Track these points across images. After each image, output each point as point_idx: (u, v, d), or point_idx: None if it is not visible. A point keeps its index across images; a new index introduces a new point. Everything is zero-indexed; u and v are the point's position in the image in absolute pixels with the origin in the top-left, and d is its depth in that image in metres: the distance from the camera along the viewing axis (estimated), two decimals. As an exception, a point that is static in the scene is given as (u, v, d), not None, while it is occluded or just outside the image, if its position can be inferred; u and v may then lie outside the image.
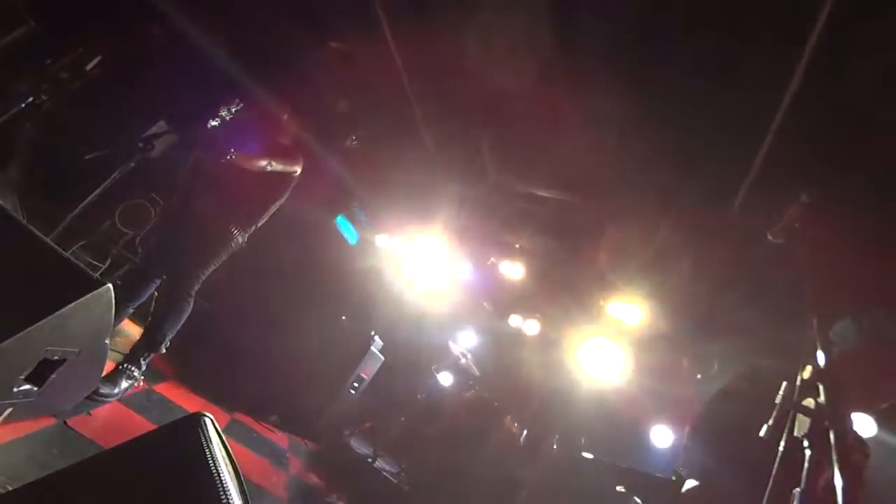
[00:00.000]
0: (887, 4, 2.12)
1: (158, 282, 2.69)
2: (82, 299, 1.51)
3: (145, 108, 4.37)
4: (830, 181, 2.44)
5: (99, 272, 4.21)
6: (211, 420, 0.99)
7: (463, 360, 4.95)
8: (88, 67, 4.04)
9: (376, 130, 4.66)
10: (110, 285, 1.61)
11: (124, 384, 2.35)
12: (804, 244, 1.41)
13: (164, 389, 2.83)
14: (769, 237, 1.61)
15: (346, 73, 4.11)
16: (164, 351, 2.60)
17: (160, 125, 4.33)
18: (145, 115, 4.33)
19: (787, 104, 2.61)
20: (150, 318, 2.66)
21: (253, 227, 2.80)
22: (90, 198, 3.02)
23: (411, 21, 3.47)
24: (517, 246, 5.61)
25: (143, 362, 2.49)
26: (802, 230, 1.50)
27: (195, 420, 0.97)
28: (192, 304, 2.60)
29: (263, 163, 2.65)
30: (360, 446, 4.40)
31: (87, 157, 3.75)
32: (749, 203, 3.24)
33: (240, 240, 2.72)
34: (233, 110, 2.57)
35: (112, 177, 3.02)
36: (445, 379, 5.23)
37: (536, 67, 3.21)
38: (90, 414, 2.01)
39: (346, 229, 5.64)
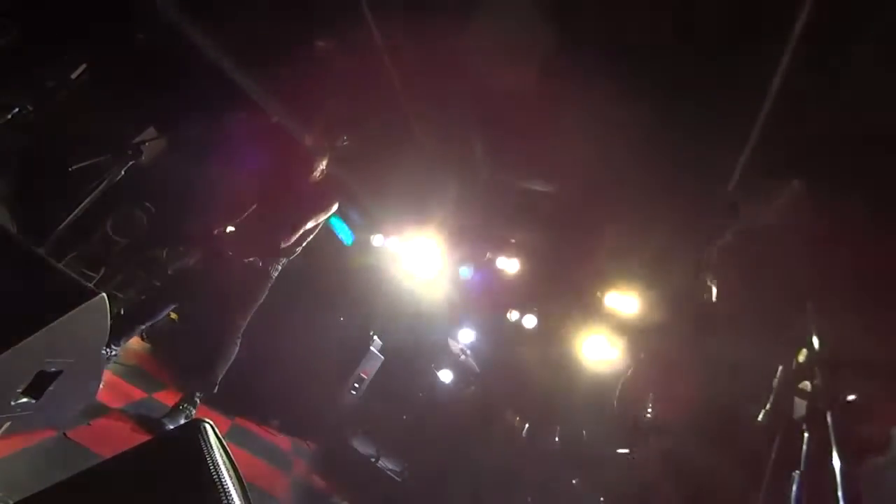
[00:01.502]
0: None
1: (174, 305, 2.71)
2: (77, 310, 1.50)
3: (133, 115, 4.33)
4: (822, 168, 2.46)
5: (93, 282, 4.18)
6: (211, 426, 0.98)
7: (462, 357, 4.95)
8: (74, 75, 4.00)
9: (369, 129, 4.64)
10: (104, 295, 1.60)
11: (182, 421, 2.47)
12: (797, 230, 1.42)
13: (164, 397, 2.82)
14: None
15: (337, 72, 4.09)
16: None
17: (149, 131, 4.29)
18: (134, 122, 4.30)
19: (778, 88, 2.61)
20: (207, 361, 2.70)
21: (286, 261, 2.87)
22: (80, 208, 2.99)
23: (402, 18, 3.45)
24: (513, 241, 5.62)
25: (197, 401, 2.60)
26: (795, 216, 1.51)
27: (195, 427, 0.96)
28: (238, 345, 2.70)
29: (292, 241, 2.72)
30: (362, 446, 4.40)
31: (73, 166, 3.72)
32: (742, 189, 3.25)
33: (275, 275, 2.81)
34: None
35: (101, 186, 2.99)
36: (446, 376, 5.24)
37: (531, 64, 3.21)
38: (90, 424, 2.00)
39: (341, 230, 5.62)
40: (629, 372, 3.30)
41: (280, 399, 4.00)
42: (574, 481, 4.04)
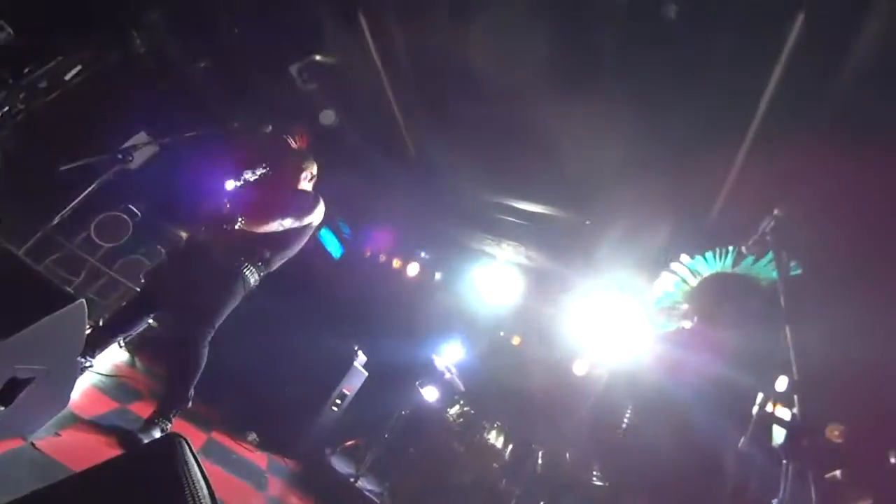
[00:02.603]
0: (856, 19, 2.23)
1: (154, 315, 2.63)
2: (53, 315, 1.47)
3: (126, 119, 4.32)
4: (803, 195, 2.53)
5: (72, 286, 4.08)
6: (186, 442, 0.96)
7: (448, 375, 4.91)
8: (68, 77, 3.98)
9: (360, 142, 4.67)
10: (83, 301, 1.57)
11: (157, 435, 2.36)
12: (777, 256, 1.46)
13: (139, 409, 2.74)
14: (743, 250, 1.66)
15: (330, 84, 4.13)
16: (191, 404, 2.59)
17: (140, 136, 4.27)
18: (125, 126, 4.28)
19: (763, 114, 2.70)
20: (174, 372, 2.58)
21: (266, 271, 2.72)
22: (66, 210, 2.94)
23: (396, 31, 3.52)
24: (501, 259, 5.66)
25: (173, 417, 2.48)
26: (775, 242, 1.55)
27: (171, 443, 0.94)
28: (207, 351, 2.52)
29: (274, 226, 2.58)
30: (341, 465, 4.30)
31: (63, 168, 3.67)
32: (725, 216, 3.34)
33: (252, 281, 2.63)
34: (258, 173, 2.52)
35: (89, 188, 2.95)
36: (430, 394, 5.18)
37: (523, 79, 3.26)
38: (59, 434, 1.93)
39: (330, 243, 5.60)
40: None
41: (259, 413, 3.90)
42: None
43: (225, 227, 2.41)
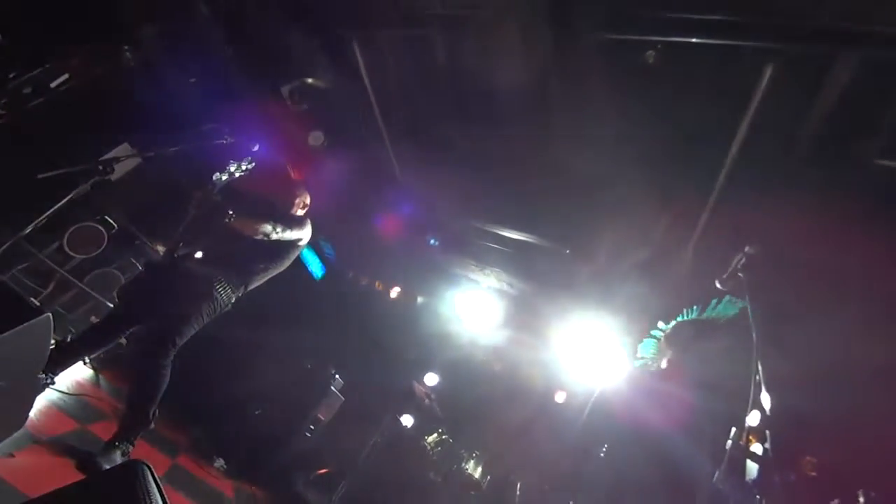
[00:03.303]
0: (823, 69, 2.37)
1: (127, 333, 2.53)
2: (16, 329, 1.41)
3: (110, 130, 4.26)
4: (773, 233, 2.64)
5: (39, 298, 3.92)
6: (149, 468, 0.91)
7: (427, 402, 4.83)
8: (54, 84, 3.94)
9: (346, 162, 4.70)
10: (49, 315, 1.52)
11: (118, 459, 2.23)
12: (748, 292, 1.51)
13: (101, 429, 2.60)
14: (717, 285, 1.71)
15: (318, 106, 4.18)
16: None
17: (124, 147, 4.21)
18: (109, 137, 4.22)
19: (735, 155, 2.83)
20: (133, 391, 2.43)
21: (244, 289, 2.63)
22: (41, 218, 2.86)
23: (388, 58, 3.61)
24: (484, 285, 5.68)
25: (135, 439, 2.35)
26: (747, 279, 1.60)
27: (131, 469, 0.89)
28: (169, 371, 2.38)
29: (266, 228, 2.52)
30: (312, 494, 4.13)
31: (40, 175, 3.59)
32: (699, 254, 3.43)
33: (224, 299, 2.52)
34: (243, 167, 2.47)
35: (66, 198, 2.88)
36: (407, 421, 5.07)
37: (511, 109, 3.35)
38: (13, 455, 1.82)
39: (312, 262, 5.55)
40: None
41: (228, 438, 3.75)
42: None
43: (217, 219, 2.34)
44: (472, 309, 5.57)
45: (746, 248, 1.66)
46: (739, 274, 1.58)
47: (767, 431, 1.25)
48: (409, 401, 5.01)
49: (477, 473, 4.48)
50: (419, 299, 5.97)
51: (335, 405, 4.41)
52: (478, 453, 4.58)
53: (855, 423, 2.83)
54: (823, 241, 2.80)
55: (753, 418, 1.28)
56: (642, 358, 2.54)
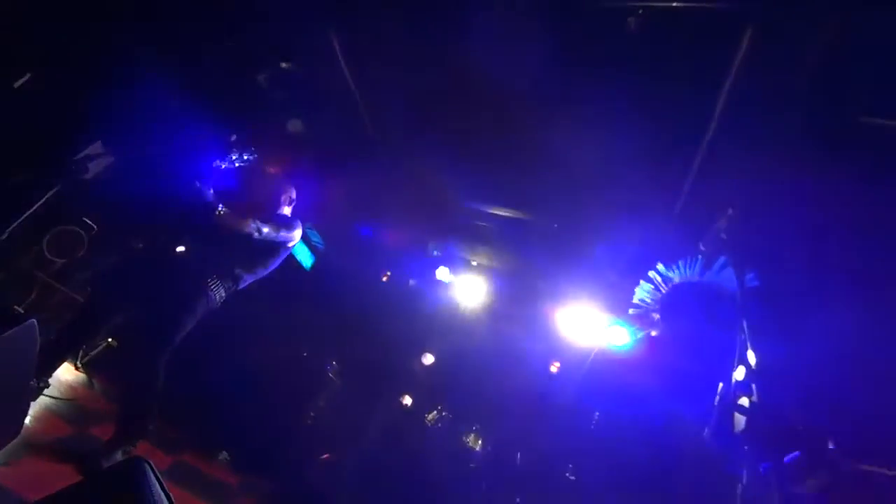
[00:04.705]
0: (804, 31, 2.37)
1: (107, 328, 2.48)
2: (2, 336, 1.38)
3: (81, 128, 4.12)
4: (757, 195, 2.67)
5: (23, 305, 3.85)
6: (150, 465, 0.91)
7: (423, 379, 4.90)
8: (17, 84, 3.77)
9: (329, 149, 4.63)
10: (34, 322, 1.49)
11: (119, 458, 2.22)
12: (729, 253, 1.53)
13: (100, 432, 2.60)
14: (700, 247, 1.74)
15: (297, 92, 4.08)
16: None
17: (96, 146, 4.08)
18: (80, 135, 4.08)
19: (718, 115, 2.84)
20: (128, 396, 2.42)
21: (234, 289, 2.58)
22: (14, 225, 2.78)
23: (365, 43, 3.52)
24: (474, 263, 5.70)
25: (135, 440, 2.34)
26: (730, 240, 1.63)
27: (133, 466, 0.89)
28: (163, 371, 2.33)
29: (256, 226, 2.45)
30: (319, 481, 4.20)
31: (13, 179, 3.48)
32: (685, 219, 3.48)
33: (217, 299, 2.47)
34: (245, 157, 2.39)
35: (40, 201, 2.80)
36: (407, 400, 5.16)
37: (496, 88, 3.31)
38: (9, 464, 1.81)
39: (301, 253, 5.50)
40: None
41: (230, 431, 3.77)
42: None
43: (207, 212, 2.28)
44: (464, 288, 5.60)
45: (729, 211, 1.69)
46: (722, 235, 1.60)
47: (753, 385, 1.30)
48: (409, 381, 5.09)
49: (477, 446, 4.59)
50: (411, 282, 5.98)
51: (334, 390, 4.45)
52: (477, 427, 4.68)
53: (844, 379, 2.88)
54: (809, 202, 2.83)
55: (740, 373, 1.33)
56: (639, 303, 2.59)
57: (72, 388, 3.02)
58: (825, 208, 2.83)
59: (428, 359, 5.91)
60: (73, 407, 2.77)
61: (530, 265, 5.18)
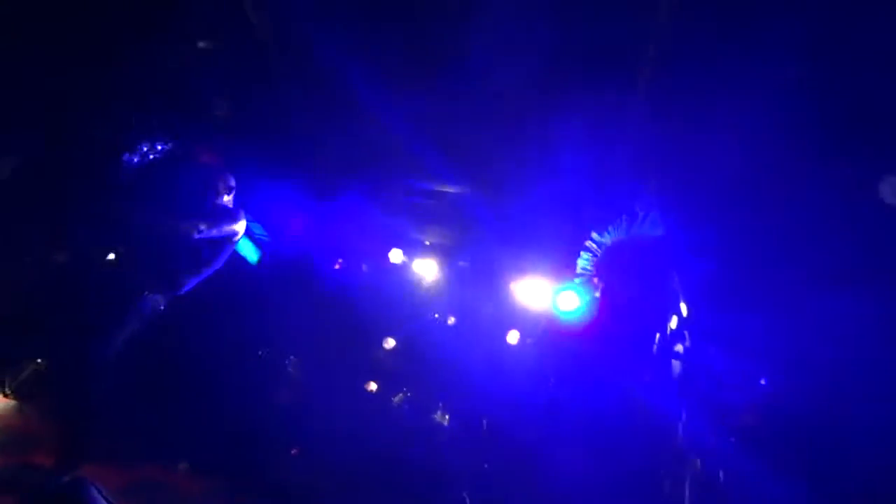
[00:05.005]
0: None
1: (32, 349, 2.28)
2: None
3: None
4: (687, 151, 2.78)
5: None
6: (94, 486, 0.86)
7: (387, 364, 4.94)
8: None
9: (261, 134, 4.40)
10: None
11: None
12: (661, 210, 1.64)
13: (39, 458, 2.40)
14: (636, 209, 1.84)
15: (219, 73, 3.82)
16: None
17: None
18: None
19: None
20: (63, 417, 2.24)
21: (174, 293, 2.40)
22: None
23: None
24: (427, 243, 5.72)
25: (80, 461, 2.15)
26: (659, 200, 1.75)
27: (74, 487, 0.83)
28: (101, 386, 2.19)
29: (191, 223, 2.29)
30: (290, 476, 4.15)
31: None
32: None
33: (152, 307, 2.32)
34: (158, 147, 2.15)
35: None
36: (371, 387, 5.18)
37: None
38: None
39: (244, 247, 5.26)
40: None
41: (188, 438, 3.64)
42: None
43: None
44: (419, 268, 5.62)
45: (658, 171, 1.80)
46: (651, 195, 1.71)
47: (686, 332, 1.43)
48: (371, 367, 5.09)
49: (445, 421, 4.71)
50: (364, 266, 5.92)
51: (296, 386, 4.39)
52: (442, 403, 4.80)
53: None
54: (738, 155, 2.97)
55: (674, 322, 1.45)
56: (582, 271, 2.74)
57: (1, 416, 2.78)
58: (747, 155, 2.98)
59: (389, 343, 5.93)
60: (8, 435, 2.55)
61: (482, 239, 5.26)
